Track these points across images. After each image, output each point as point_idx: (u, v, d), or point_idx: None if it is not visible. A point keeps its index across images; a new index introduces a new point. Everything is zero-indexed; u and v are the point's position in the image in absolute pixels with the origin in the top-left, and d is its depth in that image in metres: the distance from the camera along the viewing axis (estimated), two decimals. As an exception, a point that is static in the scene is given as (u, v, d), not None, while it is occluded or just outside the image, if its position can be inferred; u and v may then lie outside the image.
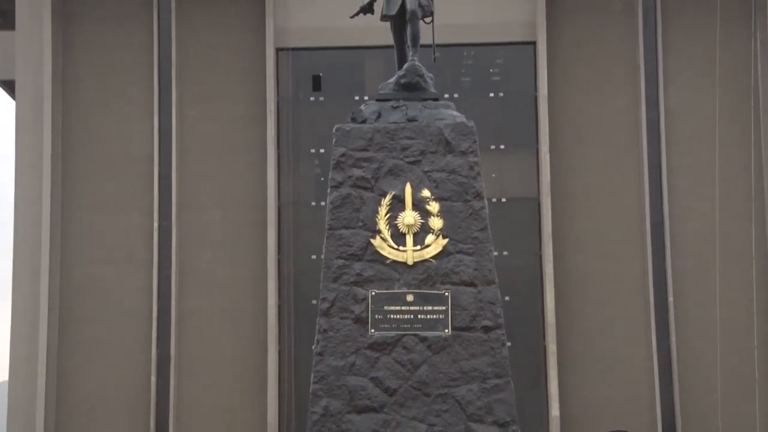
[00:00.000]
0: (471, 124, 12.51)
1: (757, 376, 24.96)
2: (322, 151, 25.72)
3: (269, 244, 25.98)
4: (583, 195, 26.27)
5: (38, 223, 25.94)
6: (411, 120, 12.47)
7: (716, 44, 25.65)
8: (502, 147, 26.32)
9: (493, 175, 25.55)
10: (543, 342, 25.49)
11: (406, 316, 11.80)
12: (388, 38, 13.37)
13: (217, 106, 26.88)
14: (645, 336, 25.73)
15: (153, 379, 25.76)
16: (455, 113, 12.76)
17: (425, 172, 12.16)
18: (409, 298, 11.82)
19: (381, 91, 12.98)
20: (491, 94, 26.81)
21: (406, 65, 12.87)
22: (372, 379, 11.64)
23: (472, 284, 11.86)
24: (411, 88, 12.75)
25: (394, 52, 13.40)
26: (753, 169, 25.85)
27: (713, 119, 25.55)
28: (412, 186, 12.06)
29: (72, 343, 26.02)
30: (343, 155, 12.21)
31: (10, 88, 30.58)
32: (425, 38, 13.02)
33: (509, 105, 26.65)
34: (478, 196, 12.16)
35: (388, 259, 11.90)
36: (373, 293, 11.80)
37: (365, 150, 12.21)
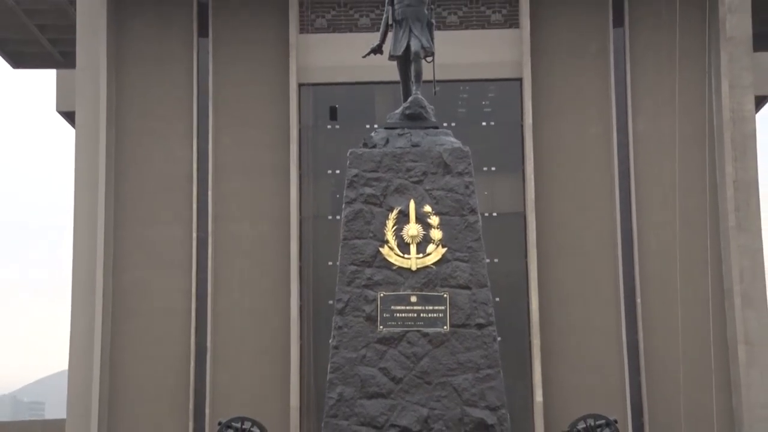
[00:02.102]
0: (466, 149, 12.46)
1: (713, 366, 24.84)
2: (337, 172, 25.68)
3: (292, 252, 25.98)
4: (562, 210, 26.21)
5: (94, 233, 25.95)
6: (415, 145, 12.43)
7: (676, 81, 25.67)
8: (493, 169, 26.26)
9: (486, 193, 25.52)
10: (528, 337, 25.37)
11: (410, 315, 11.73)
12: (395, 75, 13.33)
13: (248, 133, 26.89)
14: (616, 332, 25.64)
15: (192, 367, 25.71)
16: (453, 140, 12.71)
17: (427, 191, 12.11)
18: (413, 299, 11.76)
19: (389, 121, 12.94)
20: (483, 123, 26.78)
21: (410, 98, 12.83)
22: (381, 369, 11.57)
23: (467, 287, 11.80)
24: (415, 118, 12.71)
25: (400, 87, 13.36)
26: (708, 187, 25.79)
27: (674, 145, 25.51)
28: (415, 202, 12.01)
29: (122, 336, 25.99)
30: (356, 175, 12.17)
31: (70, 118, 30.65)
32: (427, 75, 12.98)
33: (499, 133, 26.59)
34: (473, 211, 12.11)
35: (395, 265, 11.84)
36: (382, 295, 11.74)
37: (375, 171, 12.17)
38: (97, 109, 26.29)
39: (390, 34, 13.10)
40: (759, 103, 30.94)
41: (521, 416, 24.45)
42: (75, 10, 27.11)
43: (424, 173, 12.19)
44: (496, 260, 24.77)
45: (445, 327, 11.67)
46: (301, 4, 26.69)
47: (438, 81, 13.27)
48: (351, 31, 26.63)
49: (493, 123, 26.74)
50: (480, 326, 11.68)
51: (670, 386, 24.77)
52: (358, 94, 26.60)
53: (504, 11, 26.74)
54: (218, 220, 26.36)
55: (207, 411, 25.24)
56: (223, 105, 26.73)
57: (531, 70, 26.06)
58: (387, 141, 12.57)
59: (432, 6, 13.20)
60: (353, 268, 11.87)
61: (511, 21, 26.69)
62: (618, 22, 26.37)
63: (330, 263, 25.08)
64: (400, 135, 12.60)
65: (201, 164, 26.46)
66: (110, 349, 25.76)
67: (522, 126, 26.23)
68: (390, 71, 13.87)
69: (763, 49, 30.25)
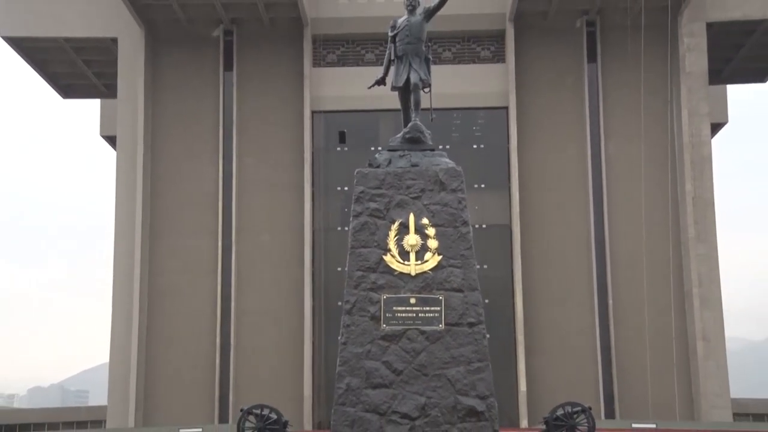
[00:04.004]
0: (459, 168, 12.35)
1: (675, 359, 24.81)
2: (346, 188, 25.63)
3: (305, 259, 25.96)
4: (543, 222, 26.18)
5: (132, 242, 25.92)
6: (414, 165, 12.33)
7: (642, 109, 25.72)
8: (482, 186, 26.22)
9: (476, 207, 25.45)
10: (514, 334, 25.26)
11: (409, 315, 11.60)
12: (397, 104, 13.23)
13: (267, 154, 26.91)
14: (590, 329, 25.56)
15: (217, 360, 25.66)
16: (447, 160, 12.60)
17: (424, 205, 12.00)
18: (412, 300, 11.63)
19: (391, 144, 12.83)
20: (474, 146, 26.76)
21: (410, 124, 12.72)
22: (384, 362, 11.44)
23: (460, 290, 11.67)
24: (414, 142, 12.60)
25: (401, 114, 13.28)
26: (670, 203, 25.80)
27: (641, 165, 25.55)
28: (414, 215, 11.90)
29: (156, 333, 25.90)
30: (362, 192, 12.07)
31: (112, 141, 30.70)
32: (424, 104, 12.91)
33: (487, 154, 26.56)
34: (465, 223, 11.99)
35: (396, 271, 11.71)
36: (385, 297, 11.62)
37: (379, 188, 12.06)
38: (136, 134, 26.35)
39: (392, 68, 13.02)
40: (714, 129, 31.08)
41: (507, 404, 24.32)
42: (117, 47, 27.24)
43: (422, 190, 12.08)
44: (485, 266, 24.70)
45: (440, 325, 11.55)
46: (314, 42, 26.76)
47: (434, 109, 13.17)
48: (358, 65, 26.65)
49: (482, 146, 26.71)
50: (471, 325, 11.56)
51: (637, 377, 24.70)
52: (364, 121, 26.58)
53: (492, 48, 26.82)
54: (241, 231, 26.34)
55: (230, 399, 25.14)
56: (246, 130, 26.76)
57: (516, 99, 26.08)
58: (389, 162, 12.47)
59: (429, 43, 13.12)
60: (359, 273, 11.75)
61: (498, 57, 26.73)
62: (591, 58, 26.44)
63: (339, 269, 25.04)
64: (401, 156, 12.50)
65: (226, 182, 26.48)
66: (146, 344, 25.69)
67: (508, 149, 26.21)
68: (392, 100, 13.80)
69: (718, 82, 30.45)
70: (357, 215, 12.04)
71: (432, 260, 11.82)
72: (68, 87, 31.88)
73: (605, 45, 26.34)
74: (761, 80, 31.19)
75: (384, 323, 11.63)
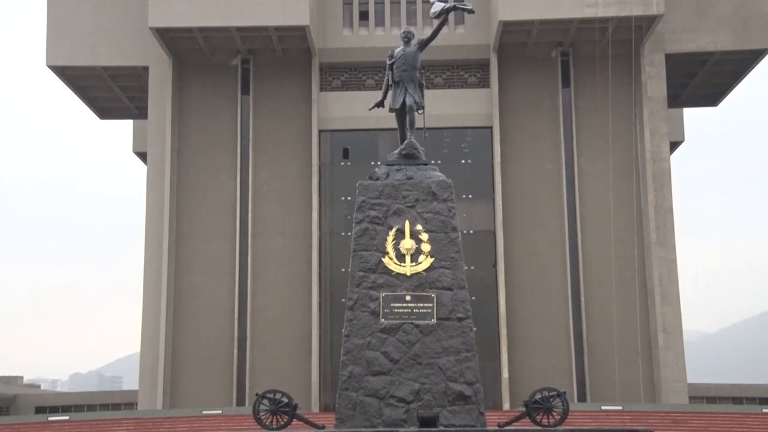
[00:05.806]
0: (449, 181, 12.29)
1: (639, 350, 24.77)
2: (349, 198, 25.61)
3: (313, 261, 25.90)
4: (524, 228, 26.13)
5: (160, 245, 25.86)
6: (409, 178, 12.27)
7: (610, 129, 25.77)
8: (470, 196, 26.22)
9: (464, 215, 25.43)
10: (497, 327, 25.26)
11: (405, 310, 11.53)
12: (394, 123, 13.20)
13: (279, 168, 26.87)
14: (565, 323, 25.50)
15: (235, 350, 25.57)
16: (439, 174, 12.54)
17: (419, 213, 11.94)
18: (408, 298, 11.56)
19: (389, 159, 12.77)
20: (462, 161, 26.73)
21: (405, 141, 12.67)
22: (382, 352, 11.36)
23: (450, 289, 11.60)
24: (409, 157, 12.55)
25: (398, 133, 13.22)
26: (635, 211, 25.80)
27: (609, 178, 25.57)
28: (410, 222, 11.83)
29: (181, 326, 25.81)
30: (363, 201, 12.00)
31: (143, 157, 30.69)
32: (419, 124, 12.86)
33: (474, 168, 26.54)
34: (454, 229, 11.93)
35: (394, 271, 11.64)
36: (383, 295, 11.54)
37: (378, 198, 12.00)
38: (164, 150, 26.32)
39: (390, 93, 12.98)
40: (673, 147, 31.16)
41: (492, 389, 24.24)
42: (148, 75, 27.26)
43: (417, 200, 12.02)
44: (472, 267, 24.65)
45: (432, 320, 11.47)
46: (321, 69, 26.76)
47: (427, 128, 13.13)
48: (360, 89, 26.64)
49: (470, 161, 26.69)
50: (460, 319, 11.48)
51: (606, 365, 24.65)
52: (365, 139, 26.56)
53: (478, 75, 26.85)
54: (256, 236, 26.27)
55: (247, 384, 25.04)
56: (261, 146, 26.72)
57: (499, 120, 26.09)
58: (387, 175, 12.40)
59: (422, 71, 13.10)
60: (361, 273, 11.68)
61: (484, 82, 26.75)
62: (565, 84, 26.51)
63: (343, 270, 24.96)
64: (397, 170, 12.44)
65: (243, 192, 26.45)
66: (172, 336, 25.58)
67: (492, 163, 26.20)
68: (390, 120, 13.76)
69: (675, 105, 30.56)
70: (359, 222, 11.98)
71: (425, 262, 11.75)
72: (105, 109, 31.89)
73: (577, 73, 26.42)
74: (713, 104, 31.35)
75: (383, 318, 11.56)
